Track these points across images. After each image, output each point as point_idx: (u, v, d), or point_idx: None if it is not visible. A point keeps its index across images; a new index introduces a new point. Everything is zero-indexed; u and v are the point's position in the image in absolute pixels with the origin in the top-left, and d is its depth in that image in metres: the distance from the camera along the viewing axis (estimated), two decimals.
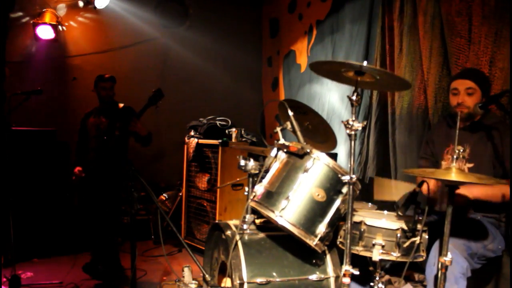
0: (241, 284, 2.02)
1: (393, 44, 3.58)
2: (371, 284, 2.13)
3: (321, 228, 1.98)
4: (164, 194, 4.83)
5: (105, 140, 3.48)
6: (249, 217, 2.24)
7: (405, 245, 2.00)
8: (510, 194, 2.25)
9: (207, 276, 2.29)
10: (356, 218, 2.06)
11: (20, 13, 4.71)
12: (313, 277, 2.11)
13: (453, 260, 1.96)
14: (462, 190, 2.22)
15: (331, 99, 4.49)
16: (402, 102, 3.48)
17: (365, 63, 1.79)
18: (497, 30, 2.78)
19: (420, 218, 2.01)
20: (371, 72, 1.88)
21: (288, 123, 2.25)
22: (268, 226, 2.28)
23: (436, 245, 2.17)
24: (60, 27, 4.79)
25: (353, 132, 1.87)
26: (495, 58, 2.80)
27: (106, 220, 3.38)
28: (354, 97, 1.89)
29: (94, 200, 3.42)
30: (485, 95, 2.43)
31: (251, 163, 2.33)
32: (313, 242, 1.98)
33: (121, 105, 3.69)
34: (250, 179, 2.36)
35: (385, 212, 2.32)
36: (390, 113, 3.61)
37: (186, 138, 4.40)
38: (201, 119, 4.42)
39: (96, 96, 3.74)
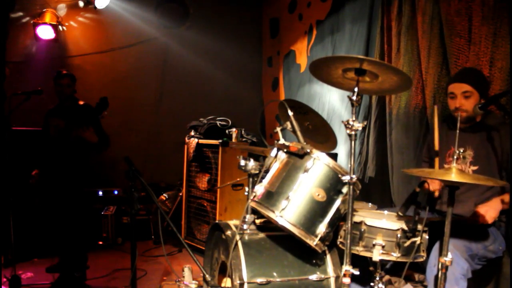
0: (241, 284, 2.02)
1: (391, 44, 3.57)
2: (371, 284, 2.14)
3: (322, 228, 1.98)
4: (164, 194, 4.83)
5: (62, 143, 3.38)
6: (249, 217, 2.24)
7: (406, 245, 2.00)
8: (510, 195, 2.26)
9: (207, 276, 2.29)
10: (356, 218, 2.06)
11: (21, 13, 4.71)
12: (313, 277, 2.11)
13: (453, 261, 1.96)
14: (485, 211, 2.21)
15: (331, 99, 4.49)
16: (400, 102, 3.48)
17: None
18: (495, 30, 2.78)
19: (421, 218, 2.01)
20: (370, 70, 1.88)
21: (288, 123, 2.26)
22: (268, 226, 2.28)
23: (436, 246, 2.17)
24: (60, 27, 4.79)
25: (353, 132, 1.87)
26: (494, 58, 2.79)
27: (67, 223, 3.33)
28: (354, 97, 1.89)
29: (53, 203, 3.38)
30: (483, 96, 2.41)
31: (251, 163, 2.33)
32: (313, 242, 1.98)
33: (81, 102, 3.58)
34: (250, 179, 2.36)
35: (385, 212, 2.32)
36: (387, 113, 3.61)
37: (186, 138, 4.41)
38: (201, 119, 4.42)
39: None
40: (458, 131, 2.05)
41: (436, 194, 2.49)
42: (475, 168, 2.41)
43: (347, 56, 1.92)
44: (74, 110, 3.52)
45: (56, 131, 3.48)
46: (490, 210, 2.20)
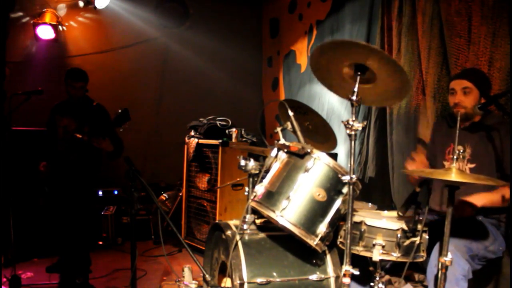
0: (241, 284, 2.02)
1: (391, 44, 3.58)
2: (371, 284, 2.14)
3: (322, 228, 1.98)
4: (164, 194, 4.83)
5: (72, 146, 3.32)
6: (249, 217, 2.24)
7: (405, 245, 2.00)
8: (510, 194, 2.26)
9: (207, 276, 2.29)
10: (357, 218, 2.06)
11: (20, 13, 4.71)
12: (313, 277, 2.11)
13: (454, 262, 1.96)
14: (468, 199, 2.22)
15: (331, 99, 4.50)
16: (400, 102, 3.48)
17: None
18: (494, 30, 2.79)
19: (421, 218, 2.01)
20: (371, 70, 1.87)
21: (288, 123, 2.26)
22: (268, 226, 2.28)
23: (437, 247, 2.17)
24: (60, 27, 4.79)
25: (353, 132, 1.87)
26: (493, 58, 2.80)
27: (73, 223, 3.30)
28: (354, 97, 1.89)
29: (59, 203, 3.34)
30: (484, 95, 2.42)
31: (252, 163, 2.33)
32: (313, 242, 1.98)
33: (95, 103, 3.50)
34: (250, 179, 2.36)
35: (385, 212, 2.32)
36: (388, 113, 3.62)
37: (186, 138, 4.41)
38: (201, 119, 4.42)
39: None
40: (458, 128, 2.05)
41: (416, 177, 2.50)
42: (472, 166, 2.41)
43: (354, 41, 1.87)
44: (87, 110, 3.42)
45: (66, 132, 3.39)
46: (470, 202, 2.21)
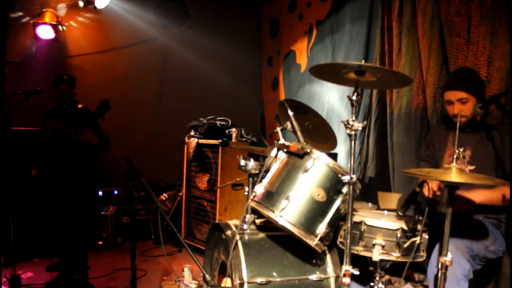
0: (241, 284, 2.02)
1: (392, 44, 3.58)
2: (371, 284, 2.14)
3: (321, 228, 1.98)
4: (164, 194, 4.83)
5: (61, 145, 3.41)
6: (249, 217, 2.24)
7: (405, 245, 2.00)
8: (510, 194, 2.26)
9: (207, 276, 2.29)
10: (356, 218, 2.06)
11: (20, 13, 4.71)
12: (313, 277, 2.11)
13: (455, 262, 1.96)
14: (466, 195, 2.21)
15: (331, 99, 4.49)
16: (401, 102, 3.48)
17: (363, 62, 1.81)
18: (493, 30, 2.78)
19: (420, 218, 2.01)
20: (371, 71, 1.88)
21: (288, 123, 2.26)
22: (268, 226, 2.28)
23: (438, 246, 2.17)
24: (60, 27, 4.79)
25: (353, 132, 1.87)
26: (492, 57, 2.79)
27: (66, 224, 3.33)
28: (354, 97, 1.89)
29: (52, 204, 3.39)
30: (481, 98, 2.40)
31: (251, 163, 2.33)
32: (313, 242, 1.98)
33: (80, 105, 3.60)
34: (250, 179, 2.36)
35: (385, 212, 2.32)
36: (388, 113, 3.61)
37: (186, 138, 4.41)
38: (201, 119, 4.42)
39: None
40: (457, 131, 2.05)
41: (438, 193, 2.48)
42: (472, 167, 2.41)
43: (345, 63, 1.90)
44: (73, 112, 3.53)
45: (55, 133, 3.48)
46: (469, 197, 2.20)
